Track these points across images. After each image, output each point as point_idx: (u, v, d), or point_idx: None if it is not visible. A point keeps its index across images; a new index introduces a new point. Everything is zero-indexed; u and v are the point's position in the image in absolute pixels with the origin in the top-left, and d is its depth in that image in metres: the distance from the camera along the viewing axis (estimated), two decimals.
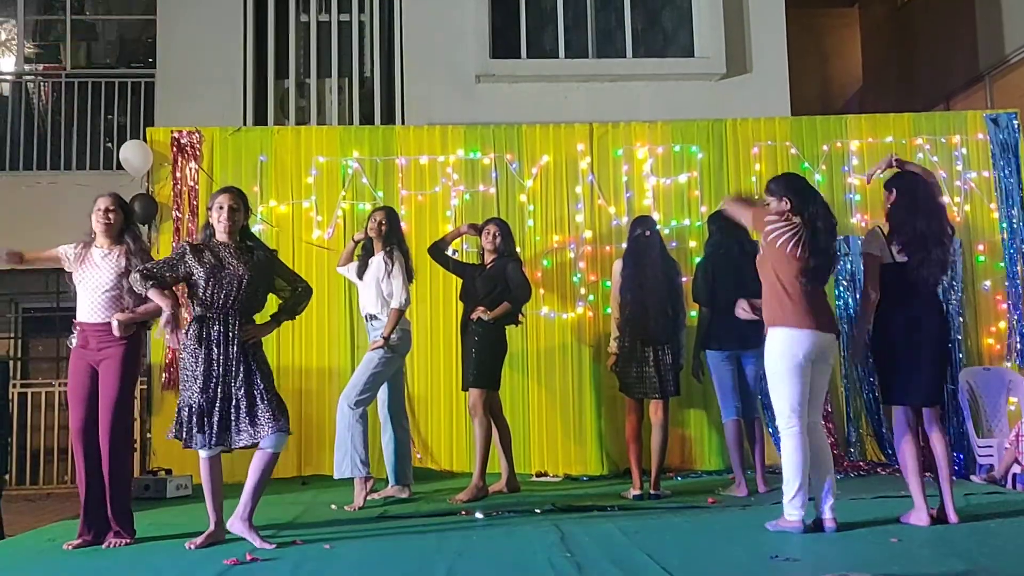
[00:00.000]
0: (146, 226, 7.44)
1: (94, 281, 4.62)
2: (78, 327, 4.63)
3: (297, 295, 4.67)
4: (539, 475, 7.10)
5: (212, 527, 4.43)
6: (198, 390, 4.35)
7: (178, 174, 7.51)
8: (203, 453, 4.42)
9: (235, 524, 4.44)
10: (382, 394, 5.92)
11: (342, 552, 4.16)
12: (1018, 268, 7.58)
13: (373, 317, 5.86)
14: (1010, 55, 9.57)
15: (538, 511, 5.20)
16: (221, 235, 4.53)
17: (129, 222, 4.79)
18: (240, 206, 4.57)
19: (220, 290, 4.41)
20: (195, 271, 4.43)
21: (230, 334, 4.40)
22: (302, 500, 5.97)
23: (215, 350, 4.38)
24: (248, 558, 3.97)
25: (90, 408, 4.57)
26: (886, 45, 12.81)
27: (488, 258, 6.20)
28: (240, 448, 4.46)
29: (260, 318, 4.65)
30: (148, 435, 7.48)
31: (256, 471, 4.45)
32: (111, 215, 4.67)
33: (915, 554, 3.73)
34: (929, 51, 11.37)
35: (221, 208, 4.52)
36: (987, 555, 3.64)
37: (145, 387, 7.57)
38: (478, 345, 6.00)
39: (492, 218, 6.51)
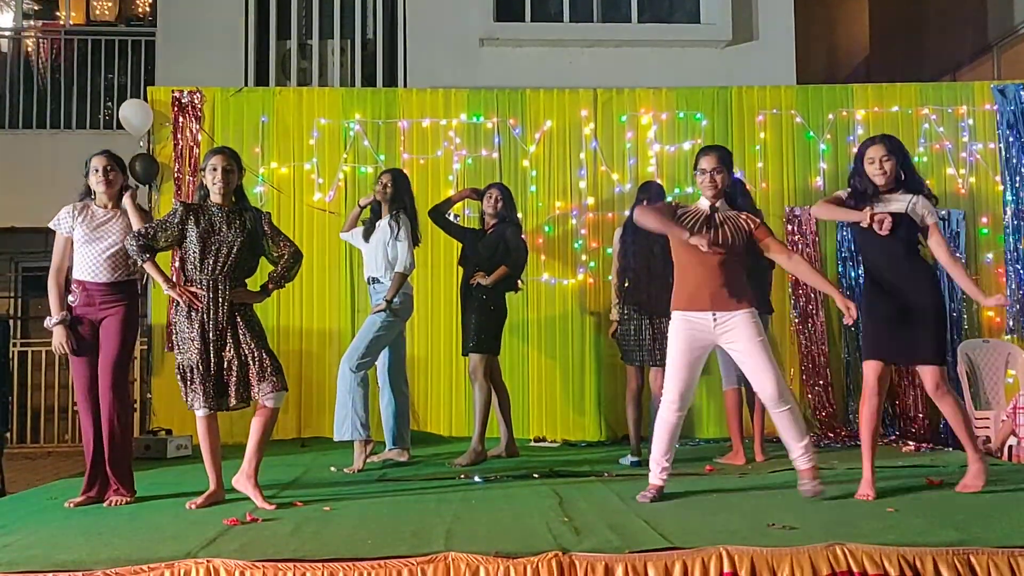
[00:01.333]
0: (147, 186, 7.42)
1: (101, 241, 4.58)
2: (79, 286, 4.60)
3: (287, 262, 4.60)
4: (537, 440, 7.14)
5: (212, 487, 4.46)
6: (195, 351, 4.37)
7: (179, 134, 7.47)
8: (200, 413, 4.43)
9: (240, 481, 4.48)
10: (382, 357, 5.92)
11: (342, 514, 4.18)
12: (1020, 241, 7.57)
13: (376, 280, 5.84)
14: (1019, 26, 9.48)
15: (536, 476, 5.23)
16: (215, 196, 4.51)
17: (126, 178, 4.76)
18: (234, 167, 4.54)
19: (210, 255, 4.41)
20: (188, 233, 4.42)
21: (220, 299, 4.40)
22: (302, 462, 6.01)
23: (206, 314, 4.39)
24: (248, 518, 3.99)
25: (94, 366, 4.58)
26: (894, 14, 12.67)
27: (489, 223, 6.19)
28: (235, 408, 4.48)
29: (253, 282, 4.64)
30: (148, 395, 7.51)
31: (257, 429, 4.48)
32: (110, 174, 4.64)
33: (910, 524, 3.75)
34: (937, 21, 11.26)
35: (215, 170, 4.49)
36: (981, 525, 3.66)
37: (145, 347, 7.60)
38: (478, 310, 6.00)
39: (494, 183, 6.48)
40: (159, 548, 3.41)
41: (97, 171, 4.63)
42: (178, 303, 4.44)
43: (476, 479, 5.14)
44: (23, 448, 8.60)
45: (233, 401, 4.43)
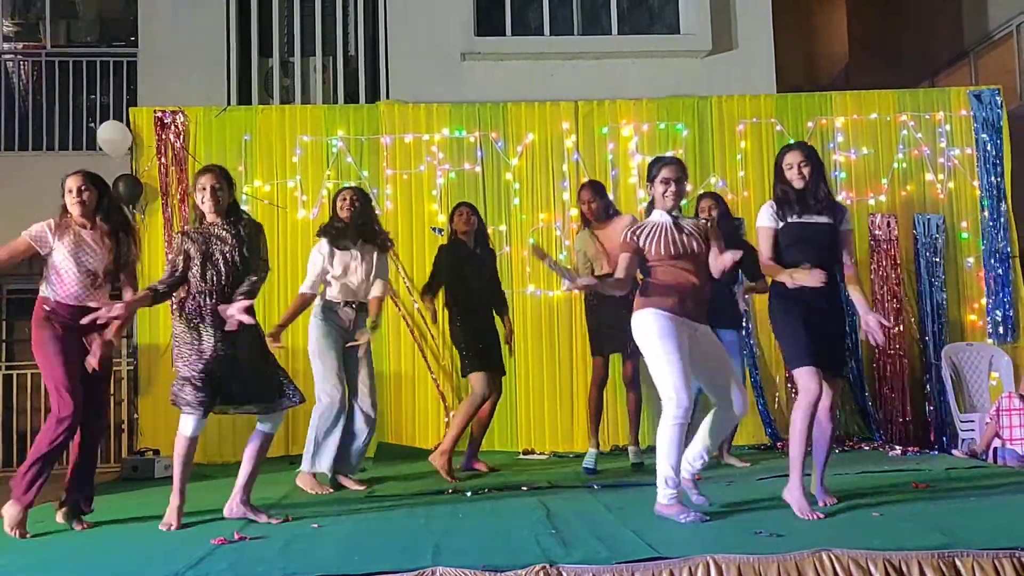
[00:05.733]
0: (131, 207, 7.42)
1: (91, 263, 4.50)
2: (64, 308, 4.47)
3: (260, 278, 4.57)
4: (526, 452, 7.14)
5: (179, 501, 4.44)
6: (199, 365, 4.33)
7: (163, 155, 7.47)
8: (188, 431, 4.37)
9: (233, 510, 4.47)
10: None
11: (331, 531, 4.18)
12: (1000, 244, 7.64)
13: (363, 306, 5.64)
14: (994, 32, 9.60)
15: (524, 488, 5.23)
16: (209, 216, 4.51)
17: (104, 197, 4.60)
18: (223, 184, 4.53)
19: (211, 272, 4.40)
20: (192, 261, 4.43)
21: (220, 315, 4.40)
22: (290, 479, 5.98)
23: (208, 331, 4.37)
24: (236, 537, 3.99)
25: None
26: (872, 21, 12.79)
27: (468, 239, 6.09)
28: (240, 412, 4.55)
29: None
30: (136, 416, 7.48)
31: (250, 457, 4.50)
32: (85, 194, 4.52)
33: (896, 528, 3.77)
34: (914, 27, 11.38)
35: (204, 189, 4.49)
36: (966, 528, 3.69)
37: (132, 368, 7.57)
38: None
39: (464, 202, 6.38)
40: (147, 569, 3.41)
41: (71, 191, 4.53)
42: (181, 316, 4.43)
43: (467, 493, 5.14)
44: (9, 472, 8.53)
45: (234, 408, 4.47)
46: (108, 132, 7.56)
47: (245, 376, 4.40)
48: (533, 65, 8.77)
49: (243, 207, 7.25)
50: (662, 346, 4.18)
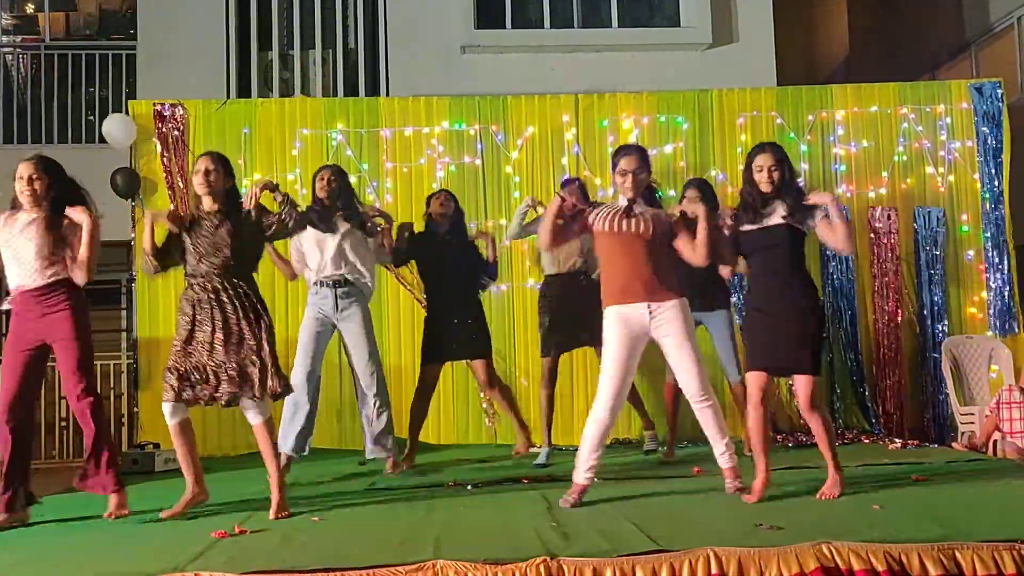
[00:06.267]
0: (129, 200, 7.40)
1: (25, 250, 4.42)
2: (16, 292, 4.46)
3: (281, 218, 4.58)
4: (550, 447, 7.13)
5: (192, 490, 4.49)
6: (181, 352, 4.38)
7: (164, 148, 7.44)
8: (171, 420, 4.41)
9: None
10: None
11: (331, 524, 4.18)
12: (1000, 237, 7.63)
13: (348, 282, 5.65)
14: (994, 24, 9.58)
15: (525, 481, 5.23)
16: (205, 200, 4.52)
17: (58, 184, 4.49)
18: (218, 167, 4.53)
19: (202, 260, 4.42)
20: (185, 242, 4.46)
21: (212, 298, 4.39)
22: (291, 473, 5.98)
23: (200, 314, 4.38)
24: (237, 530, 3.99)
25: (24, 383, 4.45)
26: (872, 14, 12.77)
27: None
28: (223, 405, 4.47)
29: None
30: (135, 409, 7.48)
31: (261, 448, 4.52)
32: (36, 184, 4.44)
33: (896, 520, 3.77)
34: (915, 20, 11.36)
35: (198, 172, 4.51)
36: (966, 520, 3.69)
37: (132, 361, 7.57)
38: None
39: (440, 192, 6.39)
40: (147, 562, 3.40)
41: (21, 178, 4.45)
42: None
43: (468, 487, 5.14)
44: None
45: (217, 397, 4.39)
46: (113, 125, 7.51)
47: (217, 367, 4.38)
48: (533, 58, 8.76)
49: (242, 199, 7.30)
50: (605, 350, 4.44)
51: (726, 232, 4.44)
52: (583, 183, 6.11)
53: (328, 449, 6.86)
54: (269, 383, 4.39)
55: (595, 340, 5.13)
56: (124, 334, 9.14)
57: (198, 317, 4.40)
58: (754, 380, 4.36)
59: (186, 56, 8.65)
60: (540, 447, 6.09)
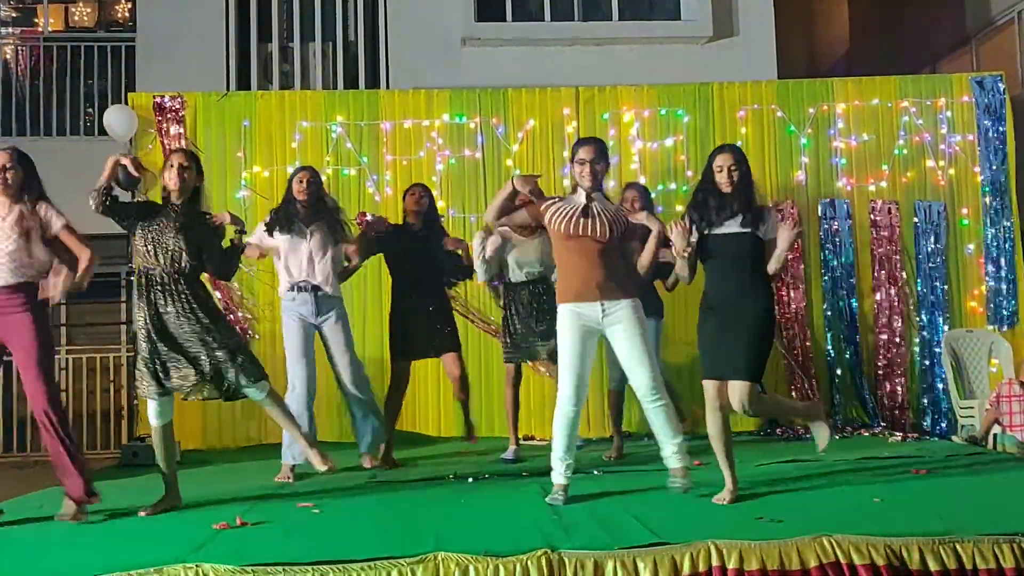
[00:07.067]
0: (129, 192, 7.38)
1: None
2: None
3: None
4: (526, 439, 7.13)
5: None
6: (145, 347, 4.40)
7: (165, 140, 7.42)
8: (154, 422, 4.47)
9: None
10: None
11: (332, 516, 4.19)
12: (1000, 231, 7.63)
13: (318, 289, 5.56)
14: (996, 17, 9.55)
15: (525, 474, 5.24)
16: (174, 194, 4.52)
17: (30, 177, 4.43)
18: (191, 165, 4.55)
19: (158, 255, 4.41)
20: (139, 229, 4.44)
21: (168, 294, 4.40)
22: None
23: (158, 310, 4.40)
24: (238, 522, 3.99)
25: None
26: (873, 7, 12.74)
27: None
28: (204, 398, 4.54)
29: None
30: (135, 402, 7.48)
31: (279, 419, 4.63)
32: (8, 174, 4.36)
33: (896, 514, 3.78)
34: (916, 13, 11.33)
35: (171, 166, 4.52)
36: (967, 513, 3.70)
37: (131, 354, 7.57)
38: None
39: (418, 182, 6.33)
40: (149, 554, 3.41)
41: None
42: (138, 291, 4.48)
43: (469, 480, 5.15)
44: (10, 457, 8.55)
45: (192, 391, 4.42)
46: (114, 116, 7.48)
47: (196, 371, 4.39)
48: (534, 51, 8.73)
49: (242, 192, 7.30)
50: (561, 345, 4.48)
51: (681, 246, 4.31)
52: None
53: (329, 442, 6.84)
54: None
55: (552, 355, 5.37)
56: (123, 327, 9.14)
57: (157, 312, 4.42)
58: (710, 387, 4.34)
59: (186, 48, 8.63)
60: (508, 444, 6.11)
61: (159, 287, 4.41)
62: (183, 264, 4.42)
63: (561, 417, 4.43)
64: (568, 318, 4.44)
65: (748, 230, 4.33)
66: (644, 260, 4.53)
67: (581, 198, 4.52)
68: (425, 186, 6.14)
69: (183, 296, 4.40)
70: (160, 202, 4.60)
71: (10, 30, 10.48)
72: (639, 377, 4.41)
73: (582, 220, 4.44)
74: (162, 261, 4.41)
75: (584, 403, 4.48)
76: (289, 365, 5.46)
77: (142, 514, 4.33)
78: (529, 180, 4.56)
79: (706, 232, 4.37)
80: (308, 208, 5.48)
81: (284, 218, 5.46)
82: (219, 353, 4.39)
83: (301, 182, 5.50)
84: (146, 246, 4.43)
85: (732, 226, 4.34)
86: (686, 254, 4.28)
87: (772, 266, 4.40)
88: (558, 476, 4.42)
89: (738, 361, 4.25)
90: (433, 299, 5.93)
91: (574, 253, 4.46)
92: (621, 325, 4.40)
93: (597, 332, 4.47)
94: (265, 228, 5.51)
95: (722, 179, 4.39)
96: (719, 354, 4.30)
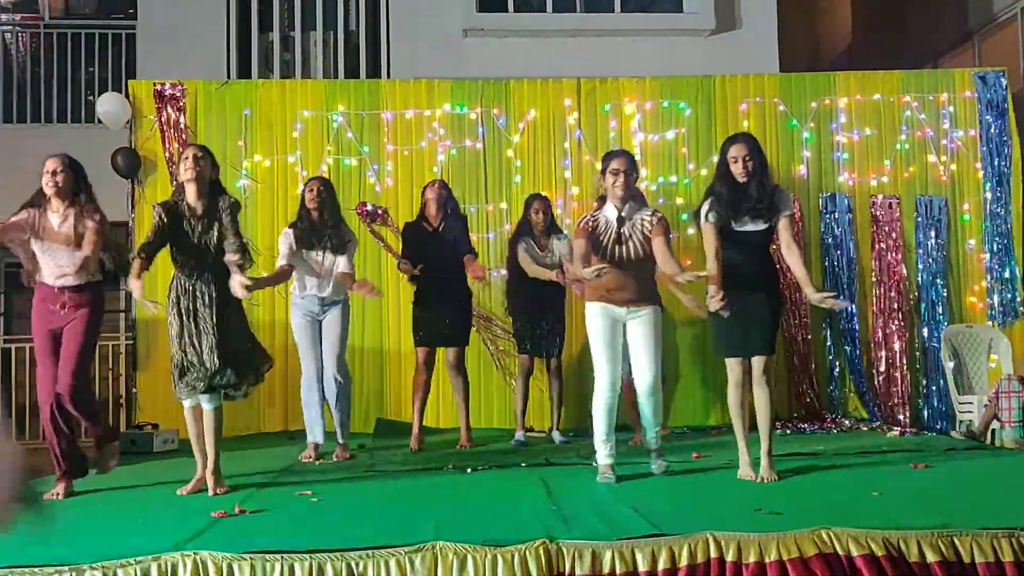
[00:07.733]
0: (129, 180, 7.38)
1: (59, 246, 4.52)
2: (45, 288, 4.56)
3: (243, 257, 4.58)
4: (527, 431, 7.13)
5: (199, 472, 4.57)
6: (177, 347, 4.46)
7: (164, 127, 7.41)
8: (186, 403, 4.55)
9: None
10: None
11: (331, 505, 4.18)
12: (1001, 227, 7.62)
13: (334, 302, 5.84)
14: (999, 13, 9.52)
15: (523, 465, 5.24)
16: (189, 189, 4.50)
17: (80, 179, 4.61)
18: (205, 156, 4.55)
19: (189, 256, 4.46)
20: (169, 235, 4.48)
21: (199, 293, 4.44)
22: (290, 454, 6.00)
23: (188, 308, 4.43)
24: (236, 510, 3.99)
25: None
26: (876, 1, 12.70)
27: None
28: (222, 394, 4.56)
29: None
30: (134, 390, 7.47)
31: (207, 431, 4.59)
32: (59, 177, 4.51)
33: (895, 508, 3.78)
34: (919, 8, 11.30)
35: (186, 159, 4.51)
36: (965, 508, 3.70)
37: (131, 343, 7.56)
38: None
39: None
40: (146, 541, 3.40)
41: (48, 172, 4.51)
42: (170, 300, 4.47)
43: (467, 471, 5.15)
44: None
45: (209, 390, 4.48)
46: (107, 104, 7.49)
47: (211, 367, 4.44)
48: (535, 42, 8.71)
49: (242, 181, 7.29)
50: (592, 339, 4.67)
51: (715, 308, 4.45)
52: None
53: (329, 432, 6.85)
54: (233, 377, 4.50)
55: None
56: (123, 315, 9.12)
57: (187, 312, 4.46)
58: (735, 364, 4.58)
59: (186, 36, 8.60)
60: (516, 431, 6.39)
61: (190, 289, 4.47)
62: (215, 262, 4.46)
63: (601, 403, 4.64)
64: (597, 312, 4.65)
65: (767, 226, 4.50)
66: (666, 264, 4.61)
67: (612, 216, 4.65)
68: (444, 182, 6.38)
69: (209, 290, 4.46)
70: (168, 199, 4.63)
71: (10, 16, 10.45)
72: (644, 376, 4.64)
73: (616, 248, 4.62)
74: (191, 264, 4.47)
75: (620, 385, 4.70)
76: (300, 356, 5.78)
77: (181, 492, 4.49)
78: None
79: (739, 230, 4.50)
80: (320, 218, 5.65)
81: (304, 235, 5.65)
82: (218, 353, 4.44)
83: (312, 191, 5.69)
84: (176, 255, 4.51)
85: (755, 224, 4.49)
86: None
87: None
88: (604, 457, 4.65)
89: (762, 338, 4.53)
90: (452, 293, 6.09)
91: (608, 275, 4.56)
92: (641, 329, 4.63)
93: (622, 324, 4.67)
94: (290, 245, 5.65)
95: (737, 169, 4.46)
96: (743, 334, 4.51)
